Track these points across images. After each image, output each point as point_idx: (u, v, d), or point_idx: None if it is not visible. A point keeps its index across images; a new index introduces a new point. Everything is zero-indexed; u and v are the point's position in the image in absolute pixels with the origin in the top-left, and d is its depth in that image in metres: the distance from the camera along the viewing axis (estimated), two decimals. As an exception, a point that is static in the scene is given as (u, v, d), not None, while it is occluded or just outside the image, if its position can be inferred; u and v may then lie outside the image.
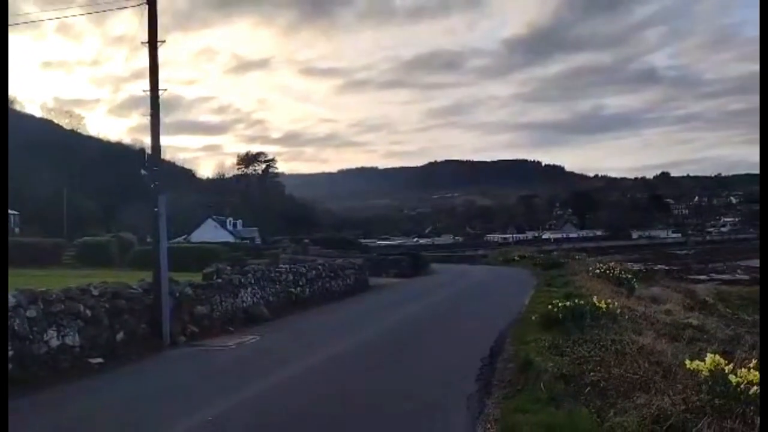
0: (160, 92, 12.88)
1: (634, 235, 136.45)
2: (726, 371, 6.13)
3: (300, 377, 9.25)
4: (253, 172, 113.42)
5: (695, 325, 15.86)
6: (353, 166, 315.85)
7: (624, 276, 26.10)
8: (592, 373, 7.72)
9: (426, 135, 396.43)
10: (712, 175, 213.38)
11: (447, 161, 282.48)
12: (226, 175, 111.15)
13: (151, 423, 6.96)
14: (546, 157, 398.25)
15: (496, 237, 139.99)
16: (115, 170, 62.44)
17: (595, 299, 13.19)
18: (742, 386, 5.90)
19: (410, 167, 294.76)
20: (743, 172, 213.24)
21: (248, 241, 61.09)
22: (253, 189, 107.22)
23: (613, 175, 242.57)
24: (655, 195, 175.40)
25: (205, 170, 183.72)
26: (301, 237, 60.54)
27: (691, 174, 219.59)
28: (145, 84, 12.91)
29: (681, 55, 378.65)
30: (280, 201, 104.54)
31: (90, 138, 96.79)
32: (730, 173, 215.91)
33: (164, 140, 13.36)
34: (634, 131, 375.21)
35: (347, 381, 9.02)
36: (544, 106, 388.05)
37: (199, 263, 22.09)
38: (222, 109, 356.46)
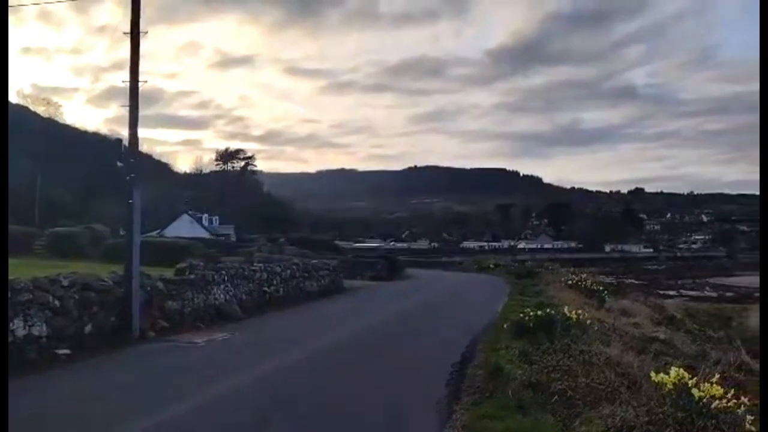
0: (140, 83, 12.77)
1: (607, 248, 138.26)
2: (690, 385, 6.24)
3: (267, 378, 9.14)
4: (232, 169, 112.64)
5: (662, 340, 16.11)
6: (333, 167, 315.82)
7: (595, 288, 26.42)
8: (559, 382, 7.81)
9: (407, 140, 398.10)
10: (685, 193, 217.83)
11: (427, 167, 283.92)
12: (204, 171, 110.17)
13: (106, 419, 6.80)
14: (524, 168, 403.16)
15: (472, 244, 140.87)
16: (91, 161, 61.47)
17: (566, 310, 13.31)
18: (704, 400, 6.01)
19: (390, 171, 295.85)
20: (715, 191, 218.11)
21: (224, 238, 60.51)
22: (231, 186, 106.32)
23: (589, 188, 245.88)
24: (629, 210, 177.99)
25: (183, 165, 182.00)
26: (278, 236, 60.16)
27: (665, 191, 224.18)
28: (126, 75, 12.80)
29: (659, 74, 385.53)
30: (257, 199, 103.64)
31: (67, 127, 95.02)
32: (703, 192, 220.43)
33: (142, 133, 13.21)
34: (611, 146, 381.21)
35: (312, 385, 8.87)
36: (524, 116, 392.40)
37: (173, 258, 21.86)
38: (203, 104, 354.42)
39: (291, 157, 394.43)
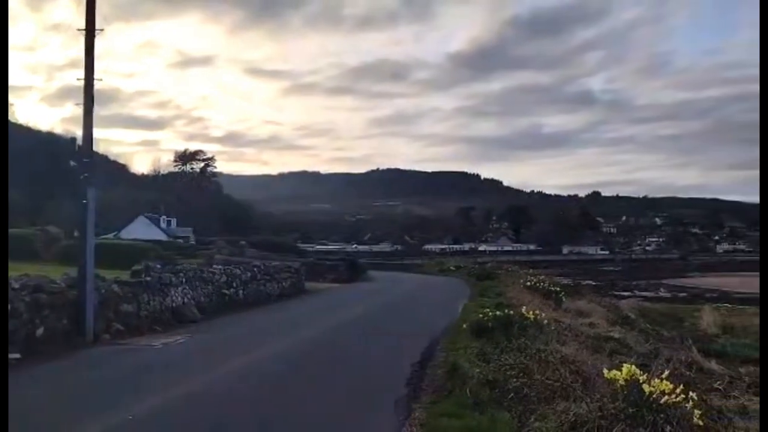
0: (95, 81, 12.48)
1: (565, 250, 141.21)
2: (641, 381, 6.42)
3: (222, 382, 8.96)
4: (191, 170, 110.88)
5: (617, 339, 16.52)
6: (296, 169, 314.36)
7: (553, 289, 26.87)
8: (516, 380, 7.93)
9: (369, 143, 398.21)
10: (640, 197, 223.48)
11: (389, 170, 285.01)
12: (162, 172, 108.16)
13: (54, 427, 6.62)
14: (485, 171, 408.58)
15: (434, 247, 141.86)
16: (44, 161, 59.73)
17: (524, 310, 13.54)
18: (654, 396, 6.20)
19: (352, 174, 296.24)
20: (669, 195, 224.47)
21: (182, 241, 59.51)
22: (190, 187, 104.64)
23: (548, 191, 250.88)
24: (586, 213, 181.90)
25: (141, 166, 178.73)
26: (238, 239, 59.49)
27: (621, 194, 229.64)
28: (81, 73, 12.50)
29: (616, 80, 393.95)
30: (217, 201, 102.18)
31: (19, 126, 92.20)
32: (657, 195, 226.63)
33: (98, 132, 12.93)
34: (570, 150, 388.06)
35: (271, 389, 8.70)
36: (485, 120, 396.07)
37: (129, 261, 21.36)
38: (162, 104, 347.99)
39: (252, 159, 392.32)
